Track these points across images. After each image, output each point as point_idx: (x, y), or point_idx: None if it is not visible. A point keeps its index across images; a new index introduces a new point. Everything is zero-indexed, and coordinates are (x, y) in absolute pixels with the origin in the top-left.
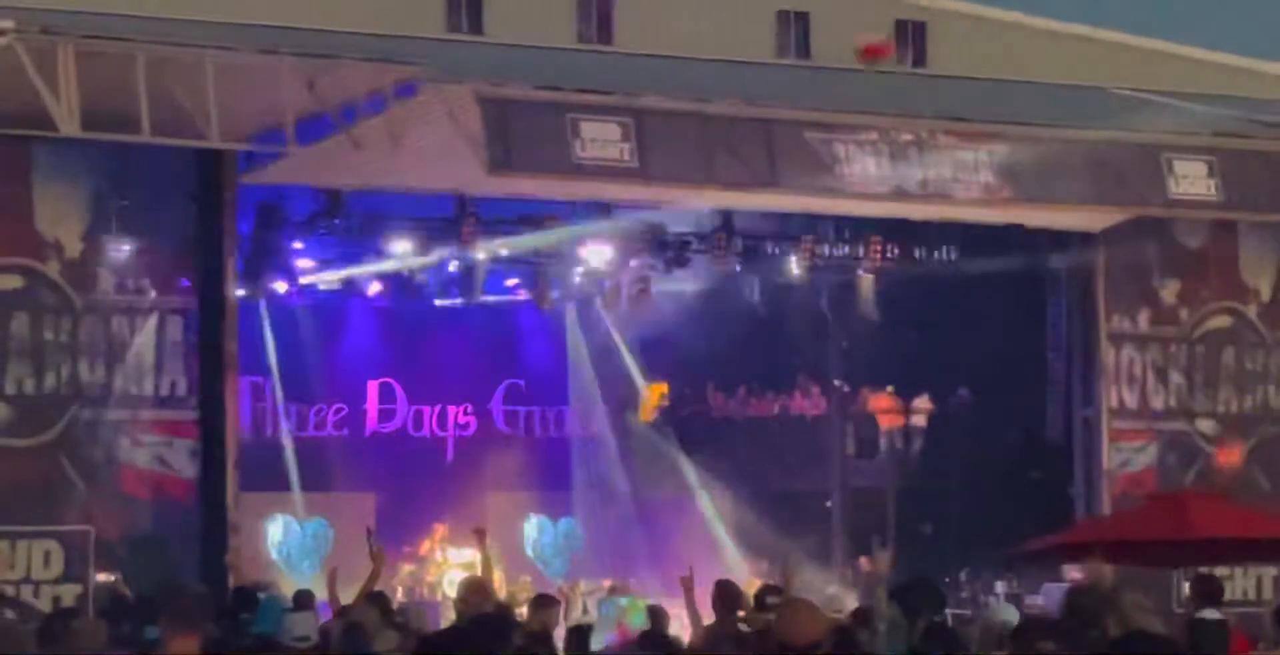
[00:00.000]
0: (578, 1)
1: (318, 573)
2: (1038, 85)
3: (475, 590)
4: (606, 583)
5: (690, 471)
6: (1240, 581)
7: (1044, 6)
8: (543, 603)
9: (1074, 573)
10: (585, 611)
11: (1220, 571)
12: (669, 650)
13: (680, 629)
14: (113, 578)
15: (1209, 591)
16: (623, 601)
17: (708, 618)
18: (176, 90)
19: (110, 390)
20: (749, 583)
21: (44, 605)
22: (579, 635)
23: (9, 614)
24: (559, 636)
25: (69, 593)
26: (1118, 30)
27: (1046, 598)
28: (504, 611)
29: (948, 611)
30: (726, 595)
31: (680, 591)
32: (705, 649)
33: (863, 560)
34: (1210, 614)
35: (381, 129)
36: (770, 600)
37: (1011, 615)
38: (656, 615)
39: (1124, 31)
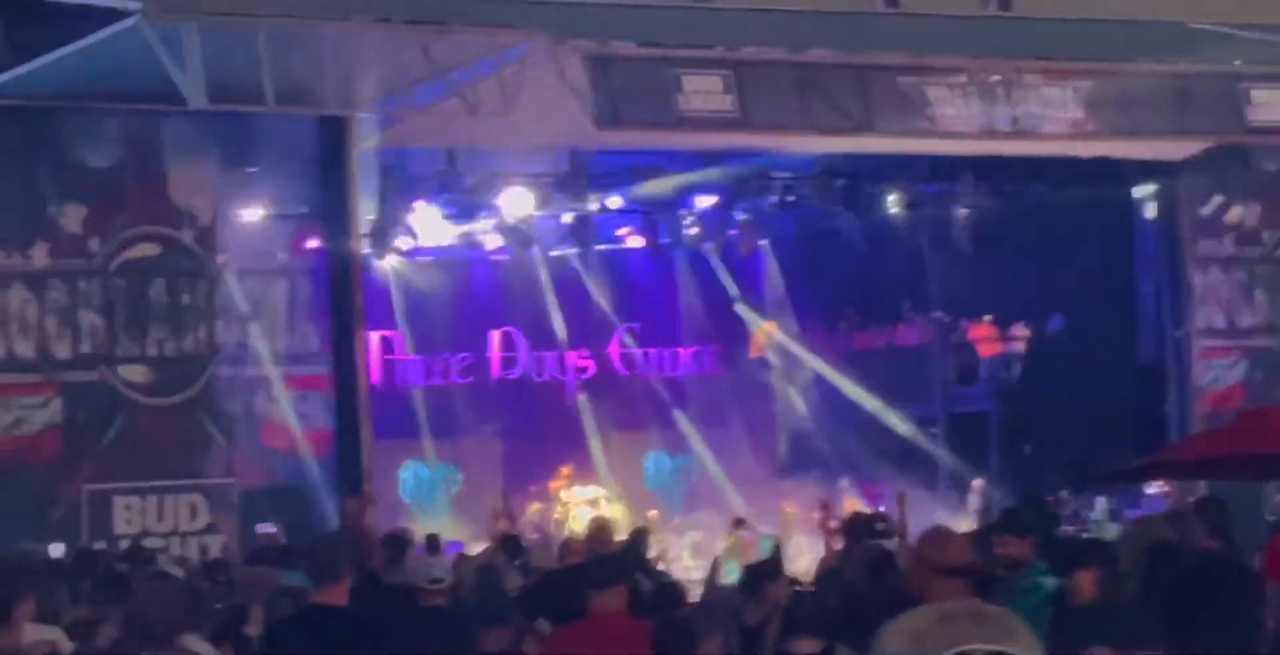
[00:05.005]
0: None
1: (449, 515)
2: (1119, 22)
3: (599, 532)
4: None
5: (800, 404)
6: None
7: None
8: (638, 534)
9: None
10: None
11: None
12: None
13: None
14: (273, 528)
15: None
16: (745, 535)
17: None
18: (297, 61)
19: (246, 349)
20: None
21: (191, 556)
22: (714, 566)
23: (172, 570)
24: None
25: (215, 543)
26: None
27: (1146, 511)
28: (621, 553)
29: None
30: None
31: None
32: (828, 574)
33: (976, 483)
34: None
35: (494, 90)
36: (880, 527)
37: (1111, 532)
38: (777, 547)
39: None
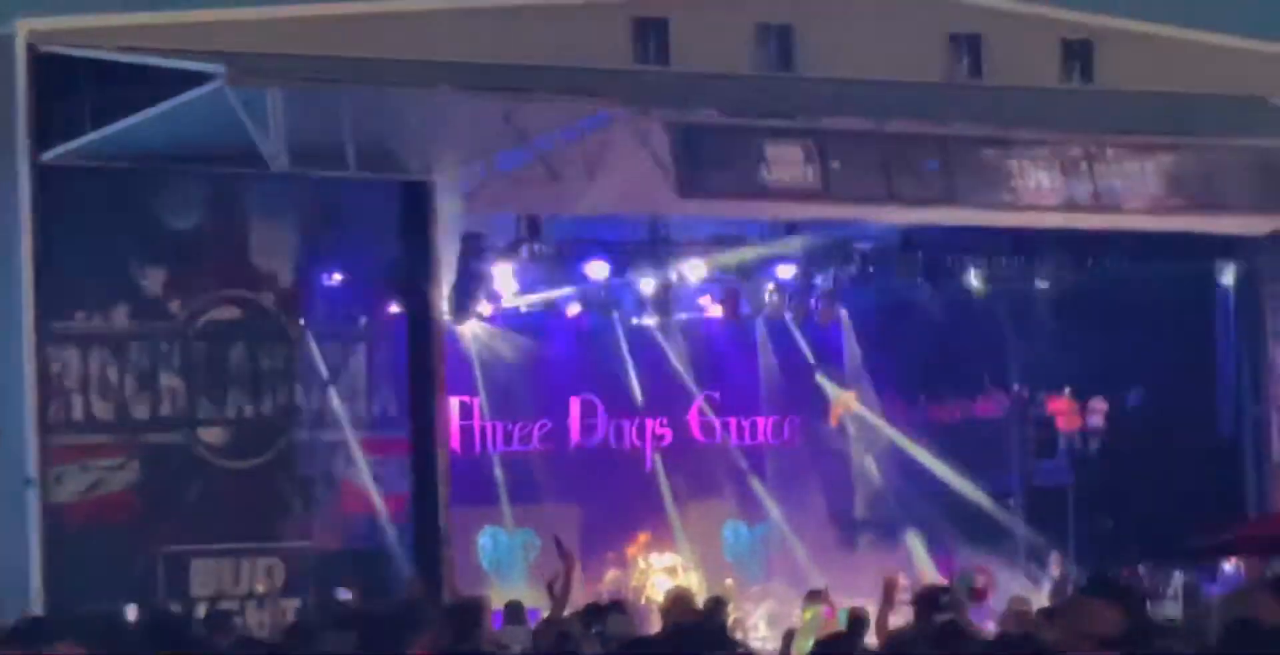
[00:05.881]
0: (758, 30)
1: (527, 582)
2: (1200, 97)
3: (677, 602)
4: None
5: (878, 475)
6: None
7: (1204, 21)
8: (717, 604)
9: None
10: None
11: None
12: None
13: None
14: (349, 594)
15: None
16: (824, 609)
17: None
18: (380, 126)
19: (325, 413)
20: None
21: (266, 621)
22: (787, 638)
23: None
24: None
25: (290, 607)
26: (1276, 41)
27: (1222, 586)
28: (702, 623)
29: None
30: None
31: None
32: (896, 646)
33: (1054, 557)
34: None
35: (576, 158)
36: (943, 600)
37: (1174, 612)
38: (857, 620)
39: None
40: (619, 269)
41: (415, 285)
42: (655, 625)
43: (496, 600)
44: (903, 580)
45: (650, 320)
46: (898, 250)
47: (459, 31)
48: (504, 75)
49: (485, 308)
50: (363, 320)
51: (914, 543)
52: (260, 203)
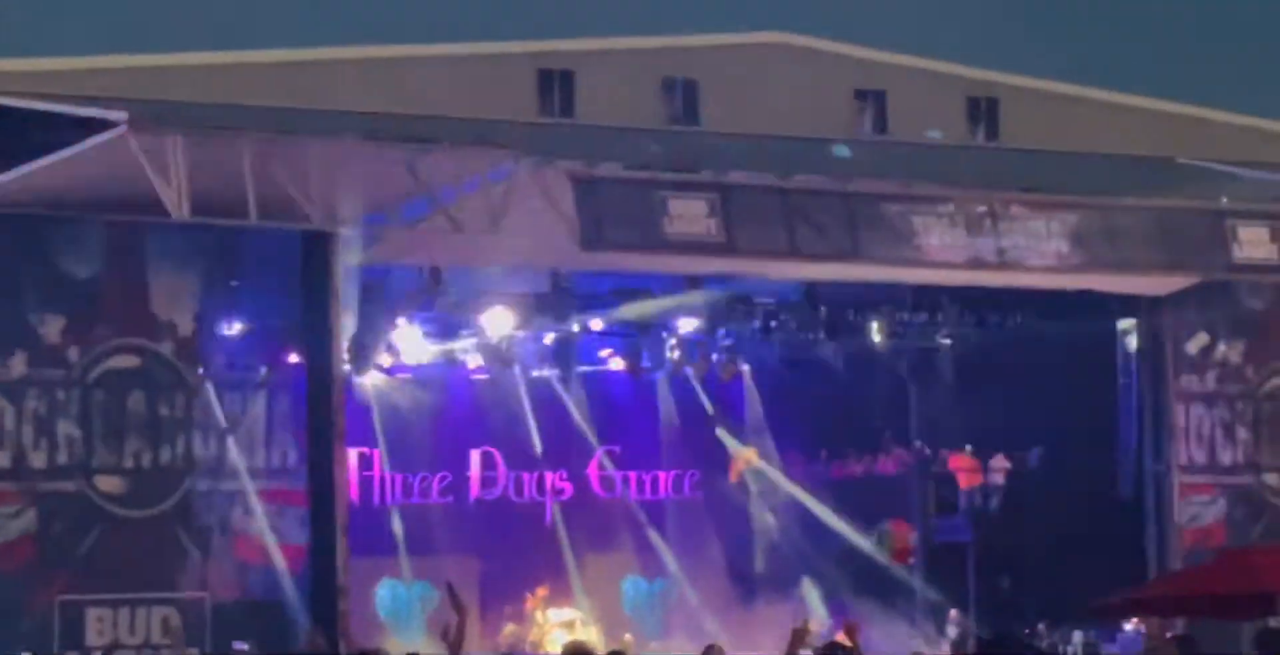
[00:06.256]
0: (664, 84)
1: (425, 634)
2: (1105, 156)
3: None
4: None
5: (778, 530)
6: None
7: (1110, 80)
8: None
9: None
10: None
11: None
12: None
13: None
14: (246, 646)
15: (1272, 643)
16: None
17: None
18: (282, 175)
19: (223, 462)
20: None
21: None
22: None
23: None
24: None
25: None
26: (1183, 102)
27: (1121, 647)
28: None
29: None
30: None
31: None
32: None
33: (952, 614)
34: None
35: (479, 209)
36: None
37: None
38: None
39: (1189, 103)
40: (520, 320)
41: (315, 335)
42: None
43: (394, 652)
44: (814, 626)
45: (551, 373)
46: (800, 305)
47: (363, 81)
48: (408, 125)
49: (386, 359)
50: (262, 370)
51: (811, 597)
52: (161, 251)
